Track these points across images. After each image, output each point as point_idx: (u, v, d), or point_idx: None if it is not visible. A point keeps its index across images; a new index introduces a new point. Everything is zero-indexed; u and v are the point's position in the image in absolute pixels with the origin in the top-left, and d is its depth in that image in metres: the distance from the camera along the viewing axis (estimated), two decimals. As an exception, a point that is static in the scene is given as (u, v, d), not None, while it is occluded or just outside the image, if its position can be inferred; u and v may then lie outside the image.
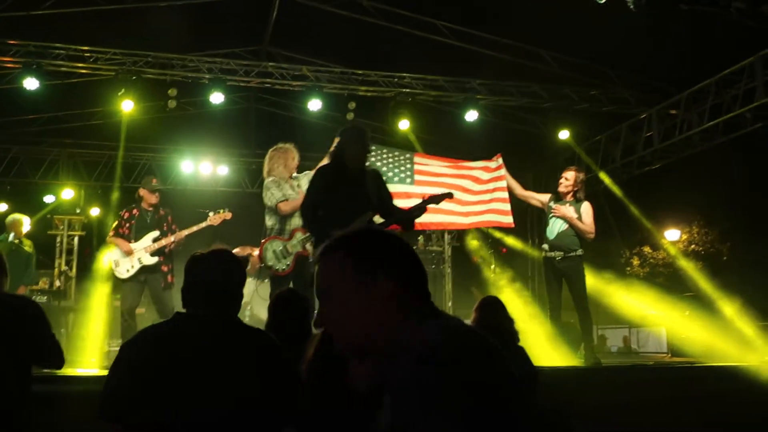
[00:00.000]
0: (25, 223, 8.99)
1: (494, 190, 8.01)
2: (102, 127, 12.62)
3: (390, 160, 8.00)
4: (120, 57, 9.79)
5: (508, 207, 7.96)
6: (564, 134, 11.29)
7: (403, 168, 7.97)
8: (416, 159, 8.16)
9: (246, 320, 9.43)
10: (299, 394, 2.35)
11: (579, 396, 5.24)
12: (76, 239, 13.01)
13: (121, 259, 7.36)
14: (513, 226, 8.32)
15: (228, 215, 7.67)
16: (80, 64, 9.74)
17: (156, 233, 7.44)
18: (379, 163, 7.86)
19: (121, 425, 2.33)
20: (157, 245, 7.37)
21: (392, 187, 7.24)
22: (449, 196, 5.98)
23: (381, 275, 1.59)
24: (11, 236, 8.68)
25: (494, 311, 4.27)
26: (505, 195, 7.96)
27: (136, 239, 7.41)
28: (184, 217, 7.94)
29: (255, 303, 9.40)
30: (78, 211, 13.17)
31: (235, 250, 10.29)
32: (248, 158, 13.45)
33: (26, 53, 9.36)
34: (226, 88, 10.13)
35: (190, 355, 2.32)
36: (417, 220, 7.77)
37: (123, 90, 9.56)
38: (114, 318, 8.92)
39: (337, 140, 5.67)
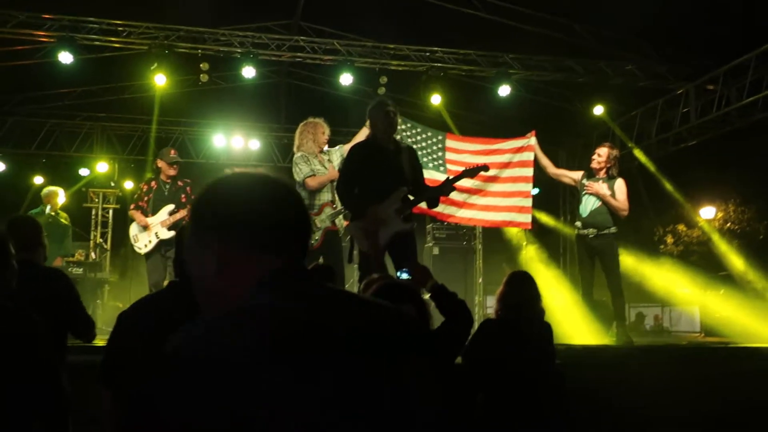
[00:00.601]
0: (60, 195, 9.11)
1: (518, 179, 7.79)
2: (135, 101, 12.76)
3: (423, 144, 7.87)
4: (153, 31, 9.81)
5: (529, 203, 7.78)
6: (598, 110, 11.10)
7: (435, 156, 7.85)
8: (448, 143, 7.98)
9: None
10: None
11: (610, 375, 5.21)
12: (110, 212, 13.21)
13: (139, 234, 7.29)
14: (530, 227, 8.20)
15: None
16: (113, 38, 9.78)
17: (171, 206, 7.30)
18: (415, 146, 7.72)
19: (113, 392, 2.37)
20: (172, 219, 7.23)
21: (426, 174, 7.22)
22: (485, 169, 5.95)
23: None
24: (47, 208, 8.82)
25: (522, 286, 4.22)
26: (529, 188, 7.77)
27: (154, 212, 7.30)
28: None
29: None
30: (112, 184, 13.36)
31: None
32: (279, 132, 13.48)
33: (60, 27, 9.41)
34: (258, 62, 10.11)
35: (174, 322, 2.31)
36: (439, 211, 7.77)
37: (156, 64, 9.58)
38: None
39: (368, 115, 5.68)
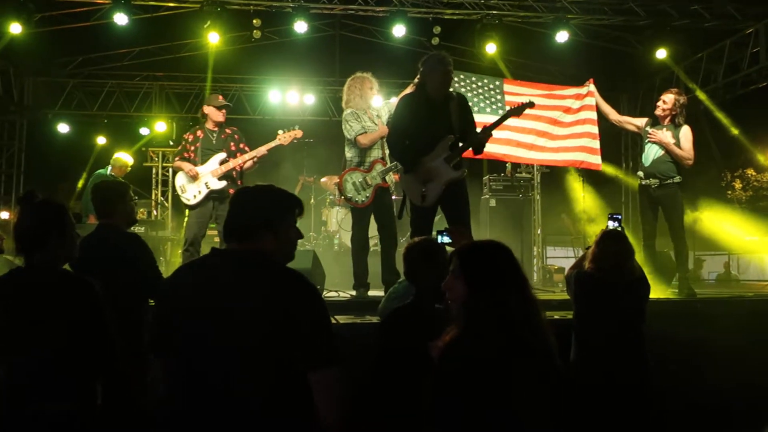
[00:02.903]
0: (128, 162, 9.21)
1: (585, 122, 7.71)
2: (191, 59, 12.84)
3: (479, 90, 7.76)
4: (204, -11, 9.80)
5: (597, 144, 7.68)
6: (661, 53, 10.63)
7: (493, 99, 7.72)
8: (506, 87, 7.88)
9: (335, 248, 9.59)
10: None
11: (672, 328, 5.11)
12: (170, 171, 13.45)
13: (187, 184, 6.89)
14: (600, 168, 8.04)
15: (299, 133, 7.07)
16: (166, -2, 9.82)
17: (223, 155, 6.92)
18: (469, 94, 7.64)
19: (163, 360, 2.38)
20: (224, 168, 6.86)
21: (485, 118, 7.11)
22: (530, 105, 5.85)
23: None
24: (109, 170, 9.01)
25: (615, 245, 4.17)
26: (596, 130, 7.68)
27: (203, 162, 6.92)
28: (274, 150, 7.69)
29: (343, 233, 9.51)
30: (171, 143, 13.57)
31: (322, 180, 10.42)
32: (334, 86, 13.41)
33: (115, -12, 9.47)
34: (310, 16, 10.02)
35: (210, 289, 2.30)
36: (507, 153, 7.71)
37: (208, 22, 9.58)
38: (211, 245, 9.01)
39: (420, 69, 5.61)
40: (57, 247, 2.97)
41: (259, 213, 2.44)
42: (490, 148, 7.48)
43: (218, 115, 7.04)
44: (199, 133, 7.06)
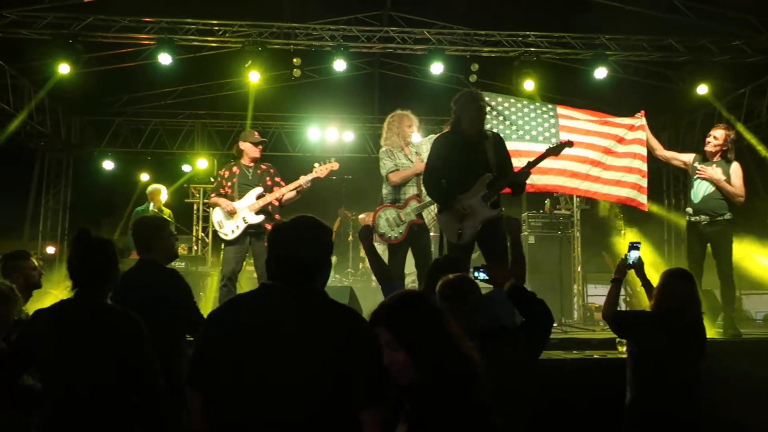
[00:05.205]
0: (163, 192, 9.48)
1: (636, 156, 7.45)
2: (232, 97, 13.09)
3: (530, 116, 7.58)
4: (246, 29, 10.03)
5: (645, 183, 7.43)
6: (702, 89, 10.51)
7: (546, 125, 7.56)
8: (560, 111, 7.68)
9: (372, 285, 9.56)
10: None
11: (715, 369, 4.95)
12: (210, 207, 13.61)
13: (225, 220, 6.90)
14: (646, 209, 7.82)
15: (335, 165, 7.09)
16: (209, 38, 10.07)
17: (259, 189, 6.91)
18: (520, 121, 7.50)
19: (202, 395, 2.36)
20: (261, 202, 6.84)
21: (535, 146, 7.05)
22: (569, 145, 5.80)
23: None
24: (151, 205, 9.19)
25: (684, 287, 4.09)
26: (645, 168, 7.44)
27: (240, 197, 6.92)
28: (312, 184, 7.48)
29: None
30: (212, 179, 13.74)
31: (361, 216, 10.45)
32: (373, 123, 13.52)
33: (159, 30, 9.75)
34: (349, 54, 10.17)
35: (266, 326, 2.31)
36: (562, 185, 7.57)
37: (250, 61, 9.77)
38: (249, 280, 9.07)
39: (453, 108, 5.63)
40: (106, 283, 3.04)
41: (314, 249, 2.46)
42: (544, 180, 7.36)
43: (255, 151, 7.08)
44: (234, 169, 7.10)
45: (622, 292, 9.75)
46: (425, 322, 2.25)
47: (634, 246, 4.47)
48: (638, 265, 4.42)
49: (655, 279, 4.27)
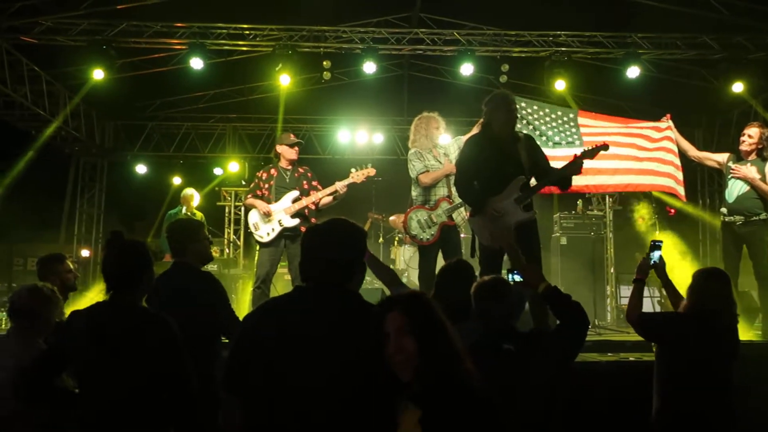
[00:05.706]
0: (195, 197, 9.58)
1: (669, 151, 7.39)
2: (263, 101, 13.19)
3: (554, 123, 7.56)
4: (276, 33, 10.08)
5: (681, 175, 7.38)
6: (738, 87, 10.32)
7: (568, 133, 7.53)
8: (580, 120, 7.64)
9: (403, 287, 9.54)
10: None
11: (754, 372, 4.86)
12: (242, 210, 13.71)
13: (260, 222, 6.92)
14: (685, 199, 7.71)
15: (372, 171, 7.09)
16: (240, 42, 10.15)
17: (296, 193, 6.97)
18: (544, 127, 7.48)
19: (239, 399, 2.38)
20: (297, 206, 6.89)
21: (560, 152, 7.00)
22: (605, 148, 5.71)
23: None
24: (183, 209, 9.29)
25: (718, 287, 3.96)
26: (678, 161, 7.38)
27: (276, 200, 6.96)
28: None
29: (411, 271, 9.49)
30: (243, 182, 13.87)
31: (391, 218, 10.44)
32: (402, 125, 13.47)
33: (191, 34, 9.86)
34: (379, 56, 10.18)
35: (300, 328, 2.32)
36: (588, 184, 7.49)
37: (280, 65, 9.83)
38: (282, 283, 9.09)
39: (484, 109, 5.59)
40: (140, 286, 3.08)
41: (348, 252, 2.47)
42: (577, 181, 7.30)
43: (291, 153, 7.11)
44: (272, 171, 7.15)
45: (656, 293, 9.66)
46: (437, 314, 2.27)
47: (656, 245, 4.34)
48: (660, 265, 4.28)
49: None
